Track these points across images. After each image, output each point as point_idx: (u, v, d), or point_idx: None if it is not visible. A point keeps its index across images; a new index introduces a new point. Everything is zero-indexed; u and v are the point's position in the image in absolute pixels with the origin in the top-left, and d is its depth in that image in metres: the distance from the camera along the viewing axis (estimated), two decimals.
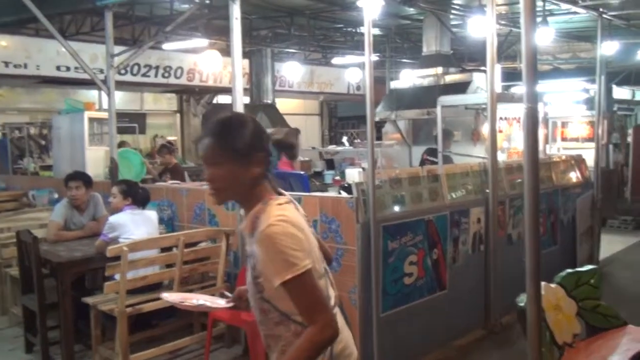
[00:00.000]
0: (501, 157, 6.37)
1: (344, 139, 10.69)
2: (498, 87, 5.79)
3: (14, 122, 11.13)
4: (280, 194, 1.74)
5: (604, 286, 3.81)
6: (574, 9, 7.74)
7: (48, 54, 9.03)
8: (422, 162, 6.83)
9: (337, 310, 1.77)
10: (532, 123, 1.94)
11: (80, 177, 5.06)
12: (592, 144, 7.99)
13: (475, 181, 5.07)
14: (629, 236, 8.84)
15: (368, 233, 3.84)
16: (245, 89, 10.50)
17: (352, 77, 12.08)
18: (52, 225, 4.89)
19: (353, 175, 6.54)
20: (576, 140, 10.19)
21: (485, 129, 6.56)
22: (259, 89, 10.86)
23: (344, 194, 4.63)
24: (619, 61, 10.97)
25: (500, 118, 7.35)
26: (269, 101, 11.01)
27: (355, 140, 10.32)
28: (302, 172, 6.51)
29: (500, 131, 7.25)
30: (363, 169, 7.11)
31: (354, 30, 10.72)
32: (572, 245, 6.19)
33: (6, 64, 8.74)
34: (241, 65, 4.77)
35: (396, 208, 4.28)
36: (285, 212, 1.63)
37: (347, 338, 1.83)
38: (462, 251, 4.71)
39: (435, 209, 4.48)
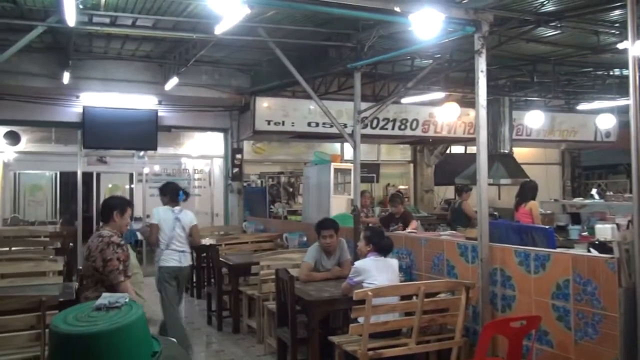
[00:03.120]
0: None
1: (594, 191, 9.70)
2: None
3: (268, 172, 12.74)
4: None
5: None
6: None
7: (302, 112, 10.19)
8: None
9: None
10: None
11: (332, 226, 5.50)
12: None
13: None
14: None
15: (633, 298, 3.40)
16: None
17: (603, 123, 11.00)
18: (304, 266, 5.39)
19: (605, 231, 5.88)
20: None
21: None
22: (495, 139, 10.59)
23: (594, 252, 4.20)
24: None
25: None
26: (506, 151, 10.65)
27: (607, 193, 9.26)
28: (547, 227, 6.11)
29: None
30: (617, 225, 6.34)
31: (605, 73, 9.85)
32: None
33: (268, 122, 10.10)
34: (485, 116, 4.74)
35: None
36: None
37: None
38: None
39: None
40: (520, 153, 12.55)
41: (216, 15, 5.60)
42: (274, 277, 5.26)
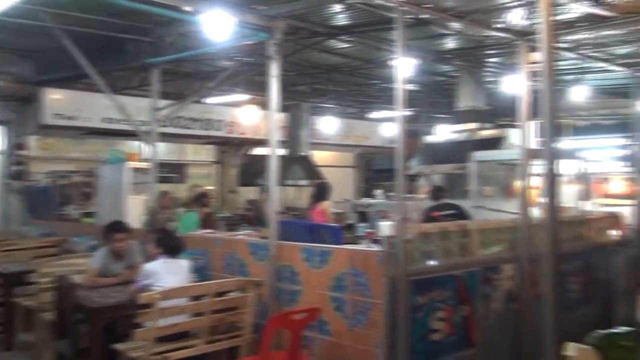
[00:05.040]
0: (536, 213, 6.29)
1: (377, 192, 10.72)
2: (533, 143, 5.79)
3: (59, 170, 11.64)
4: None
5: None
6: (609, 67, 7.74)
7: (97, 107, 9.52)
8: (430, 219, 6.30)
9: None
10: (551, 183, 1.97)
11: (124, 228, 5.26)
12: (633, 201, 7.79)
13: (508, 237, 5.01)
14: None
15: (396, 287, 3.84)
16: (283, 142, 10.74)
17: (386, 131, 12.24)
18: (89, 271, 5.05)
19: (385, 228, 6.55)
20: (616, 196, 9.95)
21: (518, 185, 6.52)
22: (295, 142, 11.11)
23: (374, 247, 4.66)
24: None
25: (536, 174, 7.29)
26: (305, 153, 11.22)
27: (390, 194, 10.34)
28: (335, 225, 6.57)
29: (536, 187, 7.18)
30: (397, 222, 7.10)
31: (389, 86, 10.94)
32: (609, 305, 5.97)
33: (58, 116, 9.25)
34: (278, 119, 4.95)
35: (426, 263, 4.27)
36: None
37: None
38: (492, 309, 4.62)
39: (465, 265, 4.45)
40: (320, 156, 13.33)
41: None
42: (54, 285, 4.84)
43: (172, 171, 12.06)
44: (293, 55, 7.63)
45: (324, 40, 7.17)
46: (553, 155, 2.11)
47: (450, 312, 4.24)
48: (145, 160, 7.24)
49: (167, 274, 4.43)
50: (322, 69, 9.86)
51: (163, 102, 6.93)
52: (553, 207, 2.03)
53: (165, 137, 10.38)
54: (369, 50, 8.31)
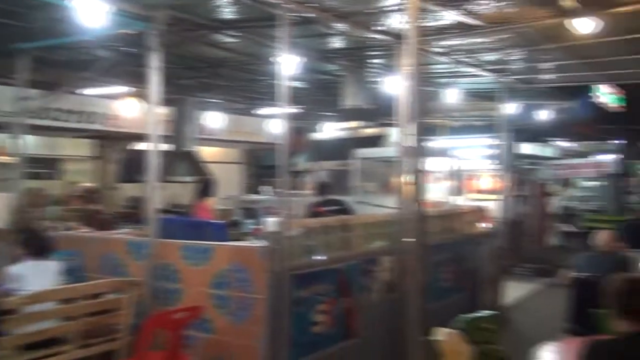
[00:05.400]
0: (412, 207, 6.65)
1: (264, 188, 10.73)
2: (410, 141, 6.09)
3: None
4: None
5: (504, 331, 4.01)
6: (478, 72, 8.37)
7: None
8: (315, 215, 6.48)
9: None
10: (415, 178, 2.09)
11: None
12: (499, 196, 8.51)
13: (387, 231, 5.24)
14: (531, 283, 9.35)
15: (278, 282, 3.87)
16: (167, 136, 10.39)
17: (274, 128, 12.30)
18: None
19: (271, 224, 6.58)
20: (485, 192, 10.79)
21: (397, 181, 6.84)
22: (179, 137, 10.80)
23: (258, 243, 4.66)
24: (524, 119, 11.84)
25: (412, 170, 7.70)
26: (190, 149, 10.95)
27: (277, 190, 10.41)
28: (220, 221, 6.50)
29: (413, 183, 7.59)
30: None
31: (276, 83, 10.97)
32: (477, 292, 6.47)
33: None
34: (160, 113, 4.79)
35: (308, 257, 4.35)
36: None
37: None
38: (373, 299, 4.81)
39: (346, 258, 4.59)
40: (207, 152, 13.07)
41: None
42: None
43: (45, 167, 11.21)
44: (177, 48, 7.40)
45: (208, 33, 7.02)
46: (419, 153, 2.24)
47: (331, 305, 4.36)
48: (11, 154, 6.66)
49: (35, 276, 4.12)
50: (209, 63, 9.64)
51: (32, 92, 6.41)
52: (419, 202, 2.15)
53: (36, 129, 9.63)
54: (256, 46, 8.26)
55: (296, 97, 10.88)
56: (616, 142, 15.64)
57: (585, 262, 5.69)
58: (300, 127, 11.84)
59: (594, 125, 15.91)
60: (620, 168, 13.13)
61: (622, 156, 13.78)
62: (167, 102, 9.09)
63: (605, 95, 16.22)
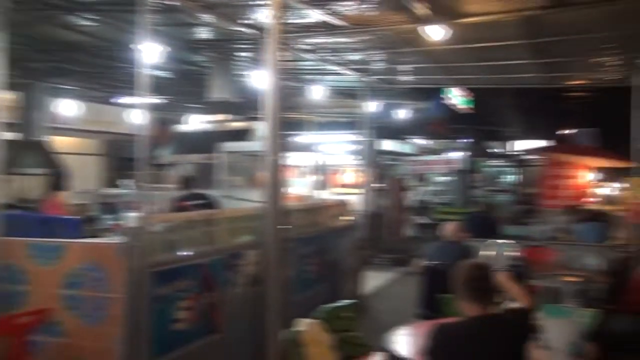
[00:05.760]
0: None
1: (124, 181, 10.21)
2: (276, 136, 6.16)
3: None
4: None
5: (362, 318, 4.22)
6: (343, 70, 8.69)
7: None
8: (179, 209, 6.25)
9: None
10: (275, 172, 2.13)
11: None
12: (361, 190, 8.92)
13: (252, 224, 5.25)
14: (389, 272, 9.96)
15: (137, 280, 3.72)
16: (15, 124, 9.48)
17: (134, 118, 11.73)
18: None
19: (132, 219, 6.28)
20: (349, 186, 11.26)
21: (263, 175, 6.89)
22: (29, 125, 9.90)
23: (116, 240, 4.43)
24: (385, 117, 12.53)
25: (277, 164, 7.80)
26: (40, 139, 10.08)
27: (138, 183, 9.92)
28: (74, 217, 6.08)
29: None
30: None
31: (138, 71, 10.47)
32: (339, 283, 6.74)
33: None
34: (2, 98, 4.34)
35: (170, 253, 4.23)
36: None
37: None
38: (237, 294, 4.80)
39: (210, 253, 4.53)
40: (62, 142, 12.12)
41: None
42: None
43: None
44: (25, 28, 6.78)
45: (61, 14, 6.52)
46: (283, 148, 2.28)
47: (194, 301, 4.28)
48: None
49: None
50: (62, 46, 8.94)
51: None
52: (282, 196, 2.19)
53: None
54: (115, 31, 7.82)
55: (160, 87, 10.56)
56: (465, 140, 17.14)
57: (435, 251, 6.16)
58: (164, 119, 11.41)
59: (446, 125, 17.30)
60: (468, 165, 14.39)
61: (469, 154, 15.12)
62: (14, 86, 8.28)
63: (456, 97, 17.71)
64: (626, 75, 8.13)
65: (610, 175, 14.99)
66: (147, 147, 4.00)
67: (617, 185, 14.66)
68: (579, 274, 6.42)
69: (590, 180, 11.16)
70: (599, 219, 8.52)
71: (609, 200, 13.36)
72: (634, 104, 7.68)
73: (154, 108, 4.07)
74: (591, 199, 11.34)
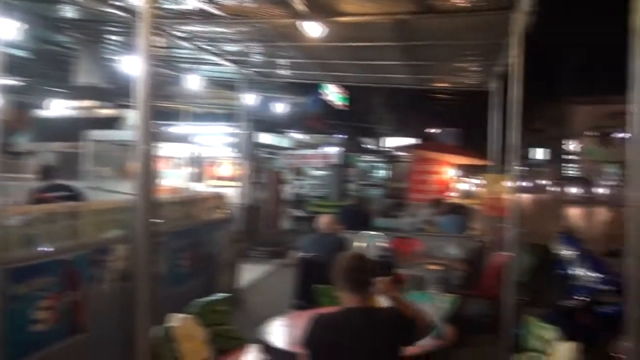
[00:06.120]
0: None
1: None
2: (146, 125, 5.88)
3: None
4: None
5: (238, 311, 4.19)
6: (220, 61, 8.53)
7: None
8: (38, 201, 5.87)
9: None
10: (146, 163, 2.04)
11: None
12: (238, 183, 8.85)
13: (122, 217, 4.99)
14: (266, 265, 10.01)
15: None
16: None
17: None
18: None
19: None
20: (225, 179, 11.11)
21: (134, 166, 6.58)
22: None
23: None
24: (263, 110, 12.53)
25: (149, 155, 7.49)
26: None
27: None
28: None
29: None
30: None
31: None
32: (215, 277, 6.64)
33: None
34: None
35: (27, 249, 3.88)
36: None
37: None
38: (105, 290, 4.54)
39: (75, 248, 4.23)
40: None
41: None
42: None
43: None
44: None
45: None
46: (154, 138, 2.19)
47: (56, 300, 3.97)
48: None
49: None
50: None
51: None
52: (152, 188, 2.10)
53: None
54: None
55: (17, 67, 9.65)
56: (340, 136, 17.68)
57: (310, 243, 6.30)
58: (22, 103, 10.44)
59: (323, 120, 17.73)
60: (342, 160, 14.87)
61: (344, 149, 15.63)
62: None
63: (333, 94, 18.20)
64: (484, 80, 8.88)
65: (469, 171, 16.36)
66: (1, 132, 3.64)
67: (475, 181, 16.03)
68: (441, 263, 6.90)
69: (452, 176, 12.04)
70: (459, 212, 9.23)
71: (467, 194, 14.58)
72: (490, 107, 8.42)
73: (9, 90, 3.70)
74: (452, 194, 12.26)
